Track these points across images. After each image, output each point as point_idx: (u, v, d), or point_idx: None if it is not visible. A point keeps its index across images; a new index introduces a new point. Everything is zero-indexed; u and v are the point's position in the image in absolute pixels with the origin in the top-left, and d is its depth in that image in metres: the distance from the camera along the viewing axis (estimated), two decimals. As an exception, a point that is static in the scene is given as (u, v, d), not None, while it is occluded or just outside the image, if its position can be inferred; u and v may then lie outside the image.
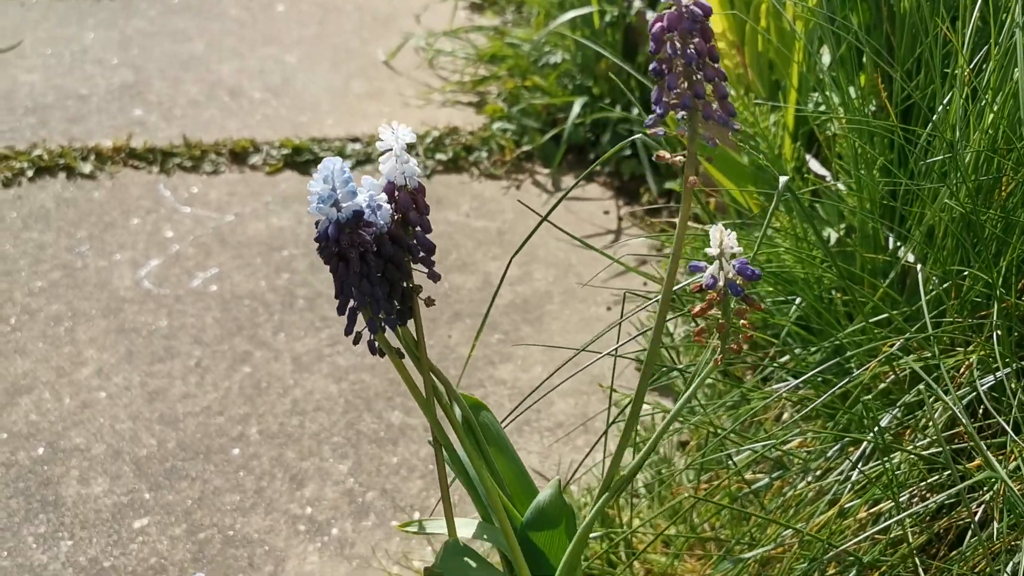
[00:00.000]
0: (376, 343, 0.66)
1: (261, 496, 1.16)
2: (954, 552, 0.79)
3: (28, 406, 1.28)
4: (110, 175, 1.73)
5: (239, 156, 1.79)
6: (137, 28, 2.27)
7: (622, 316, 0.88)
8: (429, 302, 0.67)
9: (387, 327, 0.66)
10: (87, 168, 1.74)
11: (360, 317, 0.66)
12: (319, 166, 0.63)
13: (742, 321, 0.63)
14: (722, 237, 0.62)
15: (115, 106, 1.93)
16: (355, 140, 1.84)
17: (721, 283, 0.62)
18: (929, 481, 0.79)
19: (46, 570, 1.07)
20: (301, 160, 1.78)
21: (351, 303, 0.65)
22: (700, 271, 0.64)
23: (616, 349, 0.87)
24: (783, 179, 0.67)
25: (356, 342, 0.66)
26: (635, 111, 1.80)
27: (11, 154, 1.75)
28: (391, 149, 0.67)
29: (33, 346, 1.37)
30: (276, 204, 1.67)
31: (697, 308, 0.64)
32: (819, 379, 0.92)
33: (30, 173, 1.72)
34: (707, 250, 0.64)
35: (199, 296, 1.47)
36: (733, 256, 0.63)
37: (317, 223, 0.64)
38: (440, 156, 1.81)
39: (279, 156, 1.78)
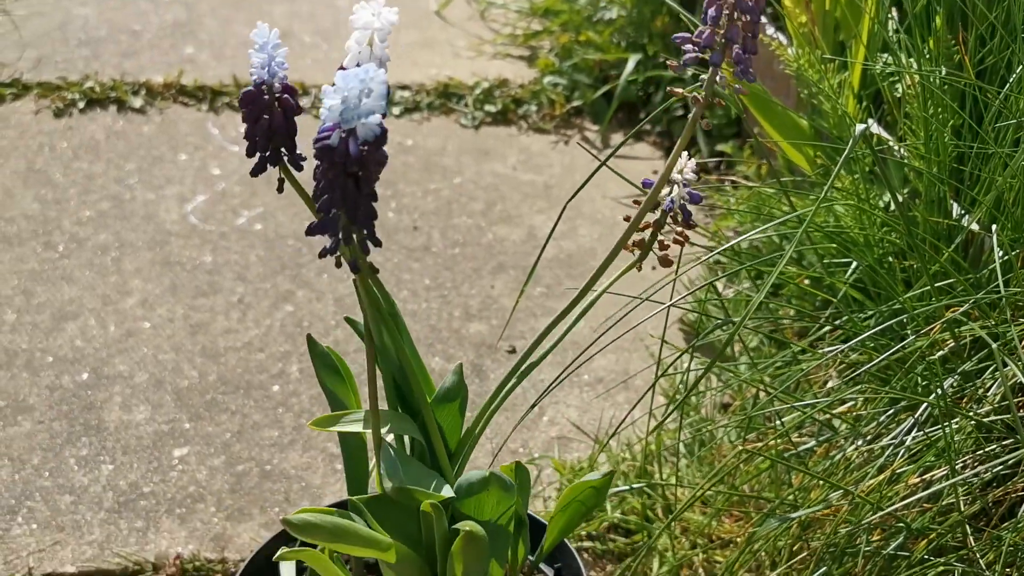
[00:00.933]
0: (358, 262, 0.61)
1: (299, 433, 1.17)
2: (1005, 524, 0.77)
3: (74, 332, 1.29)
4: (160, 110, 1.74)
5: (288, 98, 1.78)
6: (190, -33, 2.26)
7: (678, 273, 0.87)
8: None
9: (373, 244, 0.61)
10: (137, 102, 1.74)
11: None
12: (351, 70, 0.54)
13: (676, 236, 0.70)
14: (684, 163, 0.68)
15: (167, 43, 1.93)
16: (404, 87, 1.82)
17: (676, 205, 0.69)
18: (986, 450, 0.77)
19: (87, 492, 1.09)
20: (350, 105, 1.77)
21: (337, 223, 0.59)
22: (649, 186, 0.70)
23: (671, 299, 0.85)
24: (860, 127, 0.65)
25: (331, 257, 0.61)
26: (690, 71, 1.77)
27: (63, 85, 1.76)
28: (368, 30, 0.60)
29: (80, 274, 1.38)
30: (323, 147, 1.67)
31: (638, 223, 0.70)
32: (872, 344, 0.90)
33: (81, 104, 1.72)
34: (673, 175, 0.69)
35: (244, 234, 1.47)
36: (687, 182, 0.69)
37: (324, 130, 0.56)
38: (489, 108, 1.79)
39: (328, 100, 1.77)
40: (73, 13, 2.02)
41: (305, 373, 1.25)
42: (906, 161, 1.03)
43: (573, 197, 0.88)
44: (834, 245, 0.95)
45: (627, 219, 0.71)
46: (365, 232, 0.59)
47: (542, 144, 1.73)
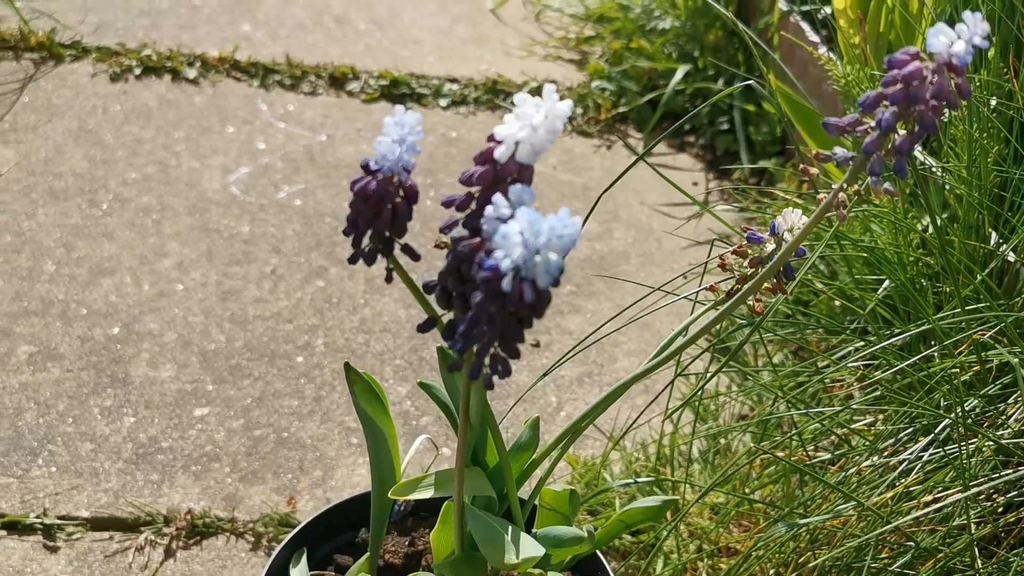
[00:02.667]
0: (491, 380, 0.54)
1: (319, 405, 1.18)
2: (1016, 550, 0.76)
3: (109, 287, 1.31)
4: (212, 83, 1.77)
5: (338, 81, 1.80)
6: (255, -52, 2.30)
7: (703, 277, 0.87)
8: None
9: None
10: (192, 73, 1.77)
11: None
12: (542, 218, 0.46)
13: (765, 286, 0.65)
14: (794, 219, 0.64)
15: (225, 19, 1.96)
16: (453, 80, 1.84)
17: (774, 260, 0.63)
18: (1002, 474, 0.76)
19: (107, 441, 1.11)
20: (398, 92, 1.79)
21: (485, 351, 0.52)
22: (757, 242, 0.66)
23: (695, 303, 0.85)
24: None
25: (479, 379, 0.54)
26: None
27: (121, 51, 1.80)
28: (533, 124, 0.51)
29: (121, 232, 1.41)
30: (368, 131, 1.69)
31: (738, 275, 0.67)
32: (896, 362, 0.90)
33: (137, 71, 1.76)
34: (777, 221, 0.65)
35: (282, 208, 1.49)
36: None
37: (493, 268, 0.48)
38: (535, 107, 1.80)
39: (377, 86, 1.79)
40: (138, -17, 2.06)
41: (330, 347, 1.26)
42: (947, 185, 1.02)
43: (609, 188, 0.89)
44: (864, 255, 0.95)
45: (724, 266, 0.66)
46: (506, 354, 0.52)
47: (584, 147, 1.74)
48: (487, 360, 0.52)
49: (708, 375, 0.88)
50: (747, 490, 1.00)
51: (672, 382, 0.87)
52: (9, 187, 1.47)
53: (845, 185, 0.57)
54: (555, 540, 0.71)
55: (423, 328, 0.59)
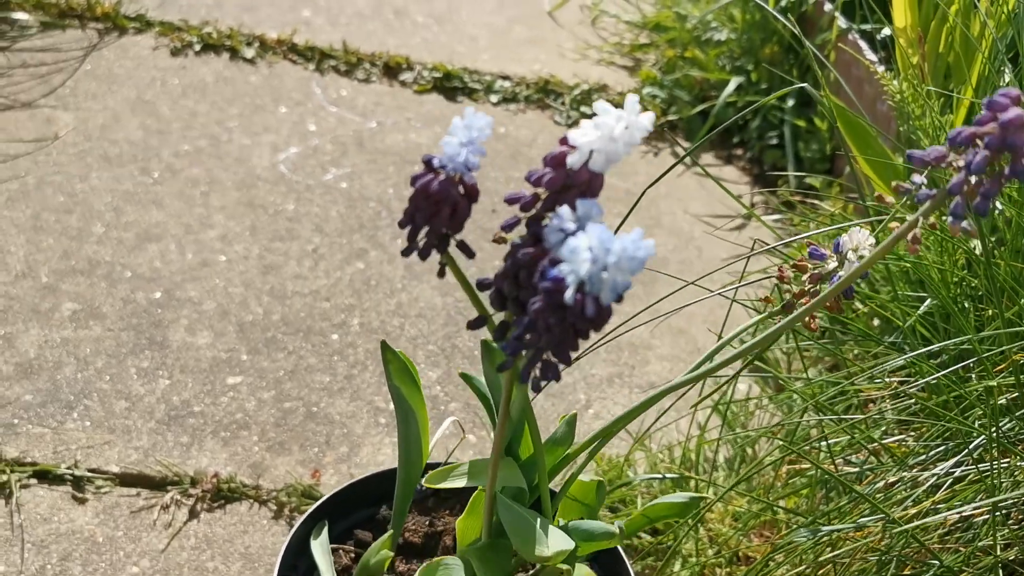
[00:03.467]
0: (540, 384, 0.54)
1: (350, 383, 1.19)
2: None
3: (154, 253, 1.34)
4: (269, 64, 1.79)
5: (392, 70, 1.82)
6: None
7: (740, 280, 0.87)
8: None
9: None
10: (249, 53, 1.80)
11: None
12: (614, 237, 0.46)
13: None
14: (861, 239, 0.63)
15: (286, 3, 1.99)
16: (506, 78, 1.85)
17: (835, 278, 0.63)
18: (1034, 498, 0.75)
19: (141, 401, 1.13)
20: (450, 86, 1.80)
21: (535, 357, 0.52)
22: (819, 258, 0.65)
23: (736, 290, 0.85)
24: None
25: (532, 385, 0.54)
26: (790, 102, 1.76)
27: (184, 27, 1.83)
28: (613, 136, 0.50)
29: (169, 201, 1.43)
30: (418, 121, 1.70)
31: (798, 291, 0.66)
32: (933, 381, 0.89)
33: (197, 47, 1.79)
34: (842, 239, 0.64)
35: (328, 189, 1.51)
36: (861, 257, 0.63)
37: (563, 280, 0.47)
38: (585, 109, 1.80)
39: (430, 78, 1.81)
40: (204, -37, 2.10)
41: (365, 328, 1.27)
42: (999, 207, 1.01)
43: (653, 184, 0.89)
44: (908, 266, 0.94)
45: (782, 278, 0.66)
46: (559, 360, 0.52)
47: (632, 152, 1.74)
48: (538, 365, 0.51)
49: (736, 372, 0.87)
50: (770, 498, 0.99)
51: (704, 379, 0.86)
52: (65, 150, 1.50)
53: (921, 219, 0.55)
54: (585, 534, 0.70)
55: (473, 325, 0.58)
